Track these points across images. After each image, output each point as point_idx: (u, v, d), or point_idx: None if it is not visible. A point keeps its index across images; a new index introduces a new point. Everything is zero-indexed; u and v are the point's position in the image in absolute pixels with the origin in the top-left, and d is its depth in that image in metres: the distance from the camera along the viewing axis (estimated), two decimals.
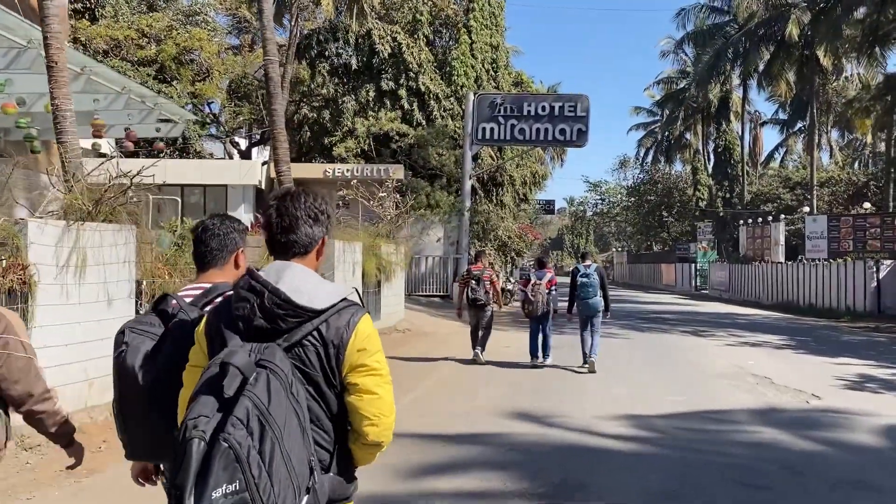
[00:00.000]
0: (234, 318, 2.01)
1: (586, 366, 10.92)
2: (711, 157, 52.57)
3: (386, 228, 16.10)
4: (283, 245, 2.12)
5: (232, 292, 2.08)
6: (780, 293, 32.17)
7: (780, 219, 36.94)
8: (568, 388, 9.50)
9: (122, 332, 2.39)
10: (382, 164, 23.02)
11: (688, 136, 57.51)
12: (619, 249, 77.45)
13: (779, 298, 31.99)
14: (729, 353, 13.37)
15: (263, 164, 23.14)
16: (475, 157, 24.81)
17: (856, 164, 53.00)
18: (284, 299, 1.98)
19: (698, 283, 47.47)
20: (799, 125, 52.26)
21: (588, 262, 11.38)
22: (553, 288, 11.14)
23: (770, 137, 73.39)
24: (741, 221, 41.70)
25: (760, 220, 38.91)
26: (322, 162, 24.48)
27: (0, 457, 2.70)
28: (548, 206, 59.04)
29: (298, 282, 2.03)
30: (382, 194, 16.36)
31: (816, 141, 40.48)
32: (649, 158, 62.14)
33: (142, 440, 2.39)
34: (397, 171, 22.39)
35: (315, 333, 2.01)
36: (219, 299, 2.31)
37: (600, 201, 68.18)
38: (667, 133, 59.21)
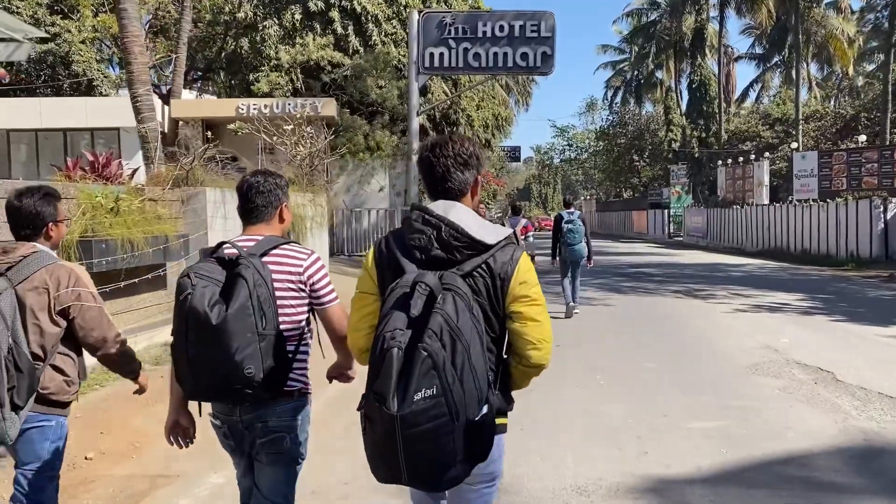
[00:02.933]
0: (409, 248, 2.20)
1: (569, 312, 10.83)
2: (685, 95, 49.26)
3: (297, 173, 12.44)
4: (443, 191, 2.31)
5: (403, 228, 2.29)
6: (766, 239, 29.21)
7: (764, 157, 33.85)
8: (542, 397, 6.08)
9: (186, 277, 2.49)
10: (309, 97, 19.15)
11: (659, 74, 54.05)
12: (588, 198, 74.38)
13: (765, 244, 29.05)
14: (747, 325, 10.12)
15: (161, 98, 19.16)
16: (423, 91, 21.06)
17: (832, 101, 50.05)
18: (461, 232, 2.19)
19: (672, 230, 44.62)
20: (776, 59, 49.12)
21: (572, 209, 11.31)
22: (529, 234, 11.29)
23: (742, 74, 70.41)
24: (719, 162, 38.58)
25: (741, 159, 35.79)
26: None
27: (76, 392, 3.06)
28: (513, 154, 55.37)
29: (466, 219, 2.22)
30: (288, 127, 12.59)
31: (797, 73, 37.20)
32: (618, 100, 58.66)
33: (205, 378, 2.48)
34: (327, 106, 18.61)
35: (484, 266, 2.20)
36: (386, 238, 2.37)
37: (568, 147, 64.58)
38: (636, 72, 55.70)
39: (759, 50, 51.50)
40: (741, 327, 9.95)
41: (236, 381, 2.44)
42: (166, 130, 18.97)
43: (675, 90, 50.87)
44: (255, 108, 18.13)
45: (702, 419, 5.64)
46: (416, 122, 19.79)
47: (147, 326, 7.86)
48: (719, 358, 8.06)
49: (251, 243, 2.65)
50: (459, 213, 2.23)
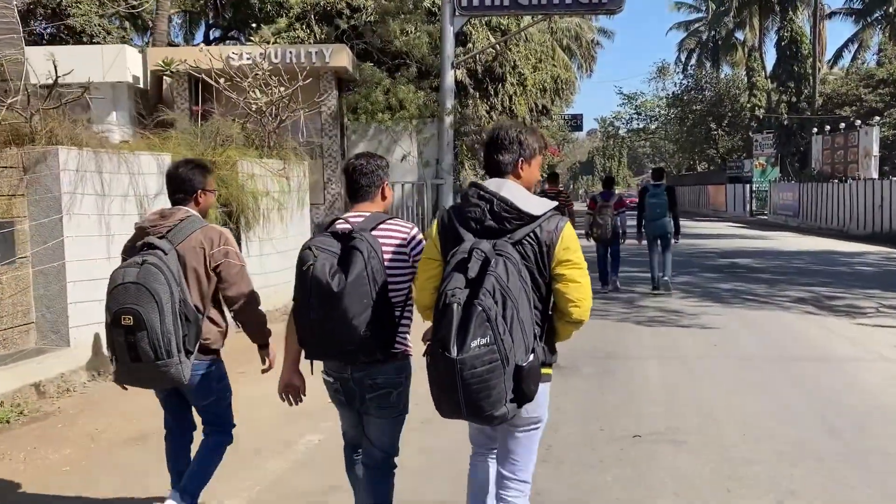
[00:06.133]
0: (466, 220, 2.54)
1: (658, 290, 10.62)
2: (769, 57, 43.87)
3: (255, 131, 8.81)
4: (496, 167, 2.69)
5: (459, 202, 2.63)
6: (877, 220, 24.31)
7: (873, 122, 28.70)
8: None
9: (308, 249, 2.74)
10: (315, 45, 15.46)
11: (739, 34, 48.58)
12: None
13: (875, 226, 24.19)
14: None
15: (140, 51, 15.81)
16: (461, 39, 17.20)
17: None
18: (511, 205, 2.51)
19: (754, 208, 39.60)
20: (877, 13, 43.02)
21: (659, 181, 10.98)
22: (622, 210, 10.93)
23: (833, 33, 63.57)
24: (814, 130, 33.41)
25: (842, 126, 30.64)
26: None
27: (223, 343, 3.41)
28: (574, 122, 50.57)
29: (515, 193, 2.55)
30: (238, 61, 8.90)
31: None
32: (692, 63, 53.28)
33: (325, 340, 2.74)
34: (338, 55, 14.91)
35: (531, 234, 2.51)
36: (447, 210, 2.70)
37: (636, 115, 59.31)
38: (713, 32, 50.28)
39: (857, 4, 45.37)
40: None
41: (353, 343, 2.69)
42: (148, 86, 15.66)
43: (760, 50, 45.34)
44: (248, 57, 14.48)
45: None
46: (450, 75, 15.95)
47: None
48: None
49: (360, 219, 2.85)
50: (510, 189, 2.56)
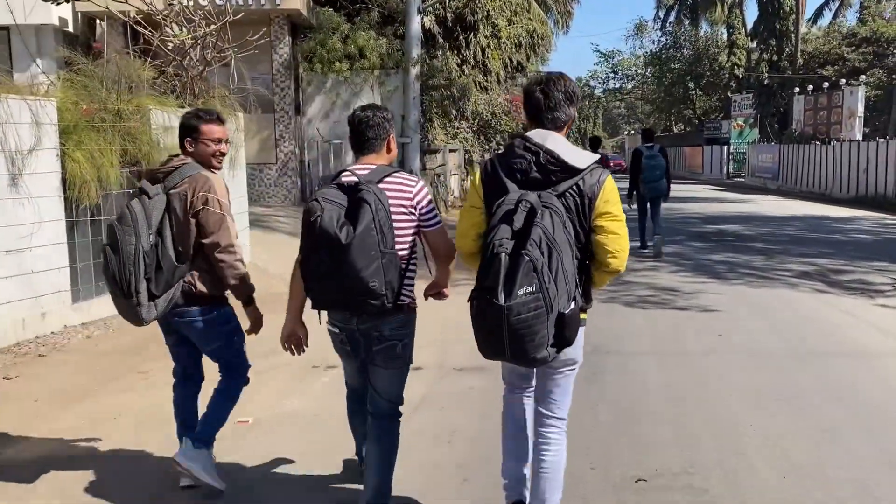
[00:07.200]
0: (511, 170, 2.59)
1: (647, 251, 10.44)
2: (751, 13, 42.55)
3: (174, 79, 7.34)
4: (550, 120, 2.68)
5: (504, 153, 2.69)
6: (862, 183, 23.40)
7: (858, 81, 27.70)
8: None
9: (316, 201, 2.72)
10: None
11: None
12: (632, 132, 67.89)
13: (860, 190, 23.31)
14: None
15: None
16: None
17: None
18: (557, 158, 2.56)
19: (731, 170, 38.68)
20: None
21: (652, 143, 10.78)
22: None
23: None
24: (795, 90, 32.34)
25: (826, 85, 29.59)
26: None
27: (221, 289, 3.33)
28: None
29: (561, 146, 2.60)
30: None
31: None
32: (671, 20, 51.73)
33: (333, 290, 2.73)
34: None
35: (575, 187, 2.55)
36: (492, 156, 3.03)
37: (612, 75, 57.74)
38: None
39: None
40: None
41: (361, 293, 2.68)
42: (77, 29, 13.95)
43: (740, 7, 43.97)
44: None
45: None
46: (416, 21, 14.46)
47: None
48: None
49: (366, 171, 2.83)
50: (556, 142, 2.61)
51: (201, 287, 3.22)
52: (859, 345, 5.91)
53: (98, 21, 13.92)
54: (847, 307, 7.22)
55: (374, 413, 3.03)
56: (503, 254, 2.37)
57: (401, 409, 3.06)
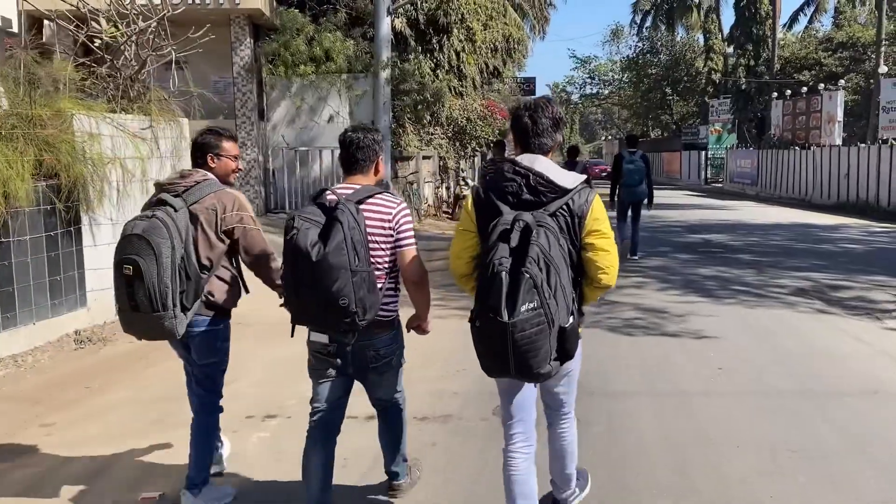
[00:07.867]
0: (503, 193, 2.67)
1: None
2: (727, 18, 42.33)
3: (112, 80, 6.52)
4: (537, 146, 2.77)
5: (493, 173, 2.77)
6: (843, 189, 23.02)
7: (837, 86, 27.40)
8: None
9: (292, 219, 2.79)
10: None
11: None
12: (609, 138, 67.63)
13: (841, 196, 22.92)
14: None
15: None
16: None
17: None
18: (546, 179, 2.65)
19: (709, 175, 38.37)
20: None
21: (635, 149, 10.80)
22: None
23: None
24: (773, 94, 32.04)
25: (805, 90, 29.28)
26: None
27: (236, 301, 3.45)
28: (527, 86, 48.45)
29: (549, 168, 2.69)
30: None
31: None
32: (647, 25, 51.47)
33: (309, 306, 2.81)
34: None
35: (564, 206, 2.64)
36: (491, 174, 2.82)
37: (589, 80, 57.39)
38: None
39: None
40: None
41: (333, 309, 2.74)
42: (20, 28, 13.02)
43: (717, 12, 43.76)
44: None
45: None
46: (386, 23, 13.70)
47: None
48: None
49: (349, 191, 2.94)
50: (543, 164, 2.70)
51: (217, 298, 3.30)
52: (882, 382, 5.20)
53: (46, 22, 13.01)
54: (856, 332, 6.55)
55: (379, 409, 3.30)
56: (503, 272, 2.41)
57: (403, 394, 3.30)
